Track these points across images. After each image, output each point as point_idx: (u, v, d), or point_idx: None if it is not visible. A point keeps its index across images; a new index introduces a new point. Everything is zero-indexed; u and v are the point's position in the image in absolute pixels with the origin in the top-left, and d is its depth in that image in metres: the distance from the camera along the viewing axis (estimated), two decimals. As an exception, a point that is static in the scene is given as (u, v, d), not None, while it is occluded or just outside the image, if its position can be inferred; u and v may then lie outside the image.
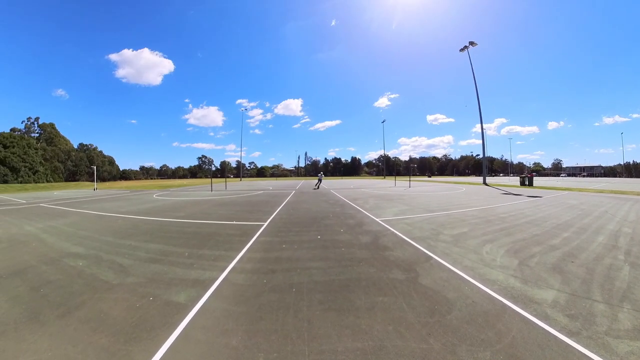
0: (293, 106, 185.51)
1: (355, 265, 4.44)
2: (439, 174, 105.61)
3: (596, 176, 73.39)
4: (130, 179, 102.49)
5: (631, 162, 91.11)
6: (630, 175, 74.73)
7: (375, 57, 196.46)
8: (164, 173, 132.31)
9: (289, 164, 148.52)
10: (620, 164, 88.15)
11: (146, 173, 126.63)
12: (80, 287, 3.78)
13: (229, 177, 68.97)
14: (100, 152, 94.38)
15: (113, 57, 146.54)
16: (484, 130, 34.51)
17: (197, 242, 6.00)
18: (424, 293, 3.49)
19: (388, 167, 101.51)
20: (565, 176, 76.84)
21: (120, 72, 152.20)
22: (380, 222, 8.06)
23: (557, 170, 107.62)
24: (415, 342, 2.49)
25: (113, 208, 12.68)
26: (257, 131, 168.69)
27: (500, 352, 2.37)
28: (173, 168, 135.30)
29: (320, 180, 27.23)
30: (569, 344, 2.46)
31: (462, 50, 33.49)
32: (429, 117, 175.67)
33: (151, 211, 11.31)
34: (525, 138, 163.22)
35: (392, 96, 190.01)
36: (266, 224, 7.96)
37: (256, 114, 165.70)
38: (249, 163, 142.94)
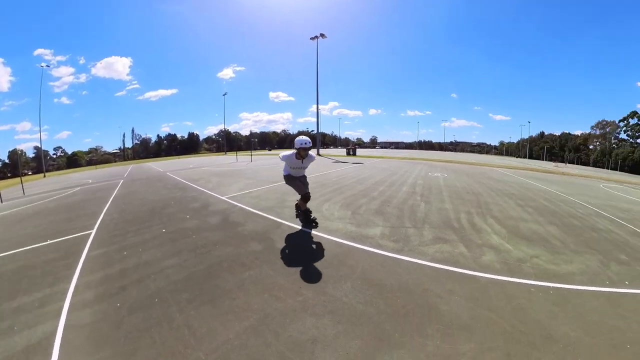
0: (118, 66, 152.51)
1: (212, 250, 4.49)
2: (278, 147, 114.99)
3: (400, 149, 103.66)
4: None
5: (422, 140, 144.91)
6: (422, 149, 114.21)
7: (229, 23, 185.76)
8: None
9: (110, 146, 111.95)
10: (416, 141, 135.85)
11: None
12: None
13: (25, 174, 48.51)
14: None
15: None
16: (319, 111, 40.91)
17: (-2, 291, 3.94)
18: (284, 255, 4.10)
19: (229, 143, 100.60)
20: (379, 148, 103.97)
21: None
22: (226, 199, 8.27)
23: (373, 144, 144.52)
24: (292, 298, 2.98)
25: None
26: (64, 100, 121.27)
27: (357, 279, 3.32)
28: None
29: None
30: (398, 257, 3.93)
31: (313, 38, 38.00)
32: (272, 94, 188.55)
33: None
34: (351, 119, 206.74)
35: (238, 69, 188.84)
36: (94, 230, 6.26)
37: (64, 74, 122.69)
38: (55, 149, 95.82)
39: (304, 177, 5.39)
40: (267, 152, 65.27)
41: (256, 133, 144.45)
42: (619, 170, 67.05)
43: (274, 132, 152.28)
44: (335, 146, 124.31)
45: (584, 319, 2.85)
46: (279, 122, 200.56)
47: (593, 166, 76.16)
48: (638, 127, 73.92)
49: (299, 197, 5.31)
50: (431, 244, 4.48)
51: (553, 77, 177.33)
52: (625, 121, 77.34)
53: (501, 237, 5.07)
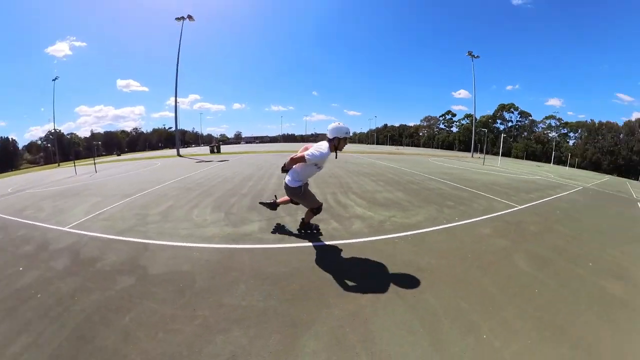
0: None
1: (72, 305, 3.15)
2: (130, 151, 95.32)
3: (265, 142, 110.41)
4: None
5: (286, 134, 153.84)
6: (286, 141, 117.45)
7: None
8: None
9: None
10: (280, 135, 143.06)
11: None
12: None
13: None
14: None
15: None
16: (178, 104, 36.96)
17: None
18: (162, 281, 3.44)
19: (62, 149, 74.95)
20: (244, 143, 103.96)
21: None
22: (71, 230, 6.06)
23: (238, 139, 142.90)
24: (190, 324, 2.61)
25: None
26: None
27: (249, 279, 3.35)
28: None
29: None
30: (281, 246, 4.26)
31: (178, 19, 33.80)
32: (121, 83, 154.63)
33: None
34: (214, 114, 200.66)
35: (77, 44, 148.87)
36: None
37: None
38: None
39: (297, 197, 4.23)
40: (116, 157, 50.00)
41: (99, 134, 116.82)
42: (440, 149, 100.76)
43: (123, 132, 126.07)
44: (198, 144, 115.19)
45: (436, 249, 4.49)
46: (129, 119, 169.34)
47: (423, 147, 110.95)
48: (451, 120, 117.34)
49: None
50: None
51: (394, 83, 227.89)
52: (443, 116, 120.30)
53: (363, 208, 6.41)
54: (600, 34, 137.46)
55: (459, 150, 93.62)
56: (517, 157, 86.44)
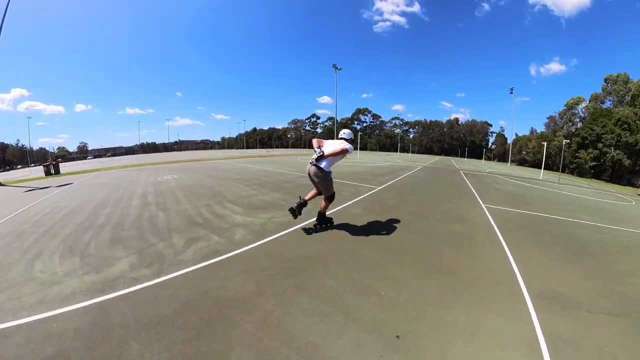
0: None
1: None
2: None
3: (120, 155, 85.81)
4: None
5: (145, 142, 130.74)
6: (144, 152, 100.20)
7: None
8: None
9: None
10: (137, 144, 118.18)
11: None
12: None
13: None
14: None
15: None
16: None
17: None
18: None
19: None
20: (92, 158, 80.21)
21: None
22: None
23: (83, 153, 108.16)
24: None
25: None
26: None
27: (139, 331, 2.52)
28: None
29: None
30: (162, 280, 3.31)
31: None
32: None
33: None
34: (49, 118, 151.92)
35: None
36: None
37: None
38: None
39: (322, 183, 5.03)
40: None
41: None
42: (307, 149, 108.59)
43: None
44: (26, 163, 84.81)
45: (320, 237, 4.81)
46: None
47: (292, 148, 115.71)
48: (316, 122, 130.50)
49: None
50: (187, 248, 4.22)
51: (263, 86, 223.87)
52: (308, 119, 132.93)
53: (242, 215, 6.07)
54: (431, 60, 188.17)
55: None
56: (372, 150, 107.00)
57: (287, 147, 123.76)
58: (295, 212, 4.84)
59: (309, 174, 4.97)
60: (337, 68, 55.54)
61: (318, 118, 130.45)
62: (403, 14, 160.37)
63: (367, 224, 5.69)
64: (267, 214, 6.11)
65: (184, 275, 3.40)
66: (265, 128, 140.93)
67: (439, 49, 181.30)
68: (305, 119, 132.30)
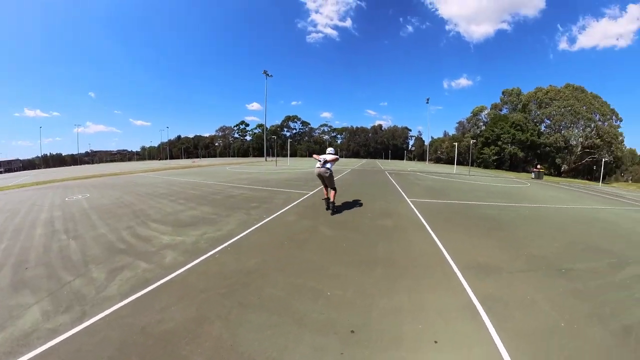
0: None
1: None
2: None
3: (16, 170, 69.57)
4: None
5: (48, 153, 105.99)
6: (48, 166, 79.94)
7: None
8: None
9: None
10: (38, 156, 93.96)
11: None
12: None
13: None
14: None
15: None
16: None
17: None
18: None
19: None
20: None
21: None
22: None
23: None
24: None
25: None
26: None
27: None
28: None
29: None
30: (86, 325, 2.69)
31: None
32: None
33: None
34: None
35: None
36: None
37: None
38: None
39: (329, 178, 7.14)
40: None
41: None
42: (236, 157, 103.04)
43: None
44: None
45: (257, 248, 4.61)
46: None
47: (220, 157, 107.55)
48: (245, 130, 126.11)
49: None
50: (110, 282, 3.53)
51: (188, 91, 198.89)
52: (237, 126, 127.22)
53: (170, 234, 5.43)
54: (359, 72, 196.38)
55: (254, 156, 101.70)
56: (302, 156, 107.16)
57: (214, 156, 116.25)
58: (330, 207, 7.08)
59: (319, 174, 7.15)
60: (267, 75, 54.97)
61: (247, 125, 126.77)
62: (335, 27, 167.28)
63: (303, 229, 5.69)
64: (198, 230, 5.59)
65: (113, 314, 2.84)
66: (191, 136, 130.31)
67: (366, 62, 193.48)
68: (234, 126, 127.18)
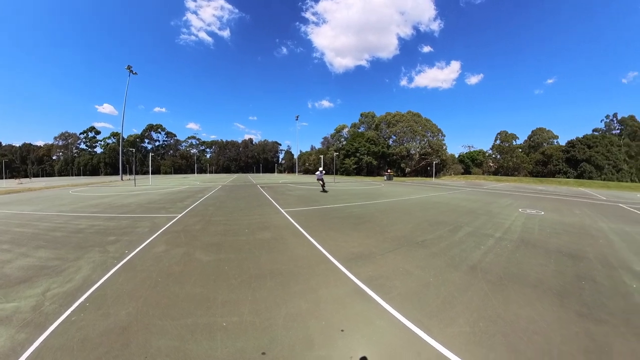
0: None
1: None
2: None
3: None
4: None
5: None
6: None
7: None
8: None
9: None
10: None
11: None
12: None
13: None
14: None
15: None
16: None
17: None
18: None
19: None
20: None
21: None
22: None
23: None
24: None
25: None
26: None
27: None
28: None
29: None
30: None
31: None
32: None
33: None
34: None
35: None
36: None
37: None
38: None
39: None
40: None
41: None
42: (83, 175, 79.93)
43: None
44: None
45: (122, 294, 3.53)
46: None
47: (59, 175, 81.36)
48: (94, 139, 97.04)
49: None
50: None
51: (10, 78, 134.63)
52: (85, 134, 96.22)
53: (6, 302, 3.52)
54: (229, 83, 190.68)
55: (106, 174, 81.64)
56: (166, 173, 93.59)
57: (52, 174, 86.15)
58: (324, 190, 17.14)
59: (317, 179, 17.49)
60: (132, 72, 43.34)
61: (98, 133, 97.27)
62: (212, 34, 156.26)
63: (176, 260, 4.77)
64: (38, 287, 3.73)
65: None
66: (17, 144, 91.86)
67: (238, 75, 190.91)
68: (81, 134, 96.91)
